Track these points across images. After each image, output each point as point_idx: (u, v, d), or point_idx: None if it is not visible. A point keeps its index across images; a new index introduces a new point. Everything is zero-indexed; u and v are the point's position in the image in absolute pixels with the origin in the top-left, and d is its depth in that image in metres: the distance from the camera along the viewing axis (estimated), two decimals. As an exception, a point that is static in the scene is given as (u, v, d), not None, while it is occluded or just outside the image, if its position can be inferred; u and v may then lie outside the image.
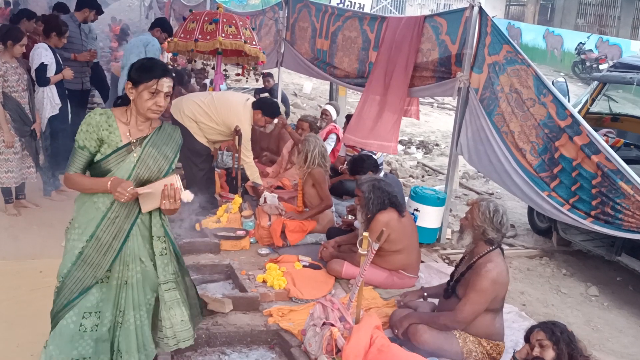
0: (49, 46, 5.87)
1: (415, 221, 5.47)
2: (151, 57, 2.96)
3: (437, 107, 14.28)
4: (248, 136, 5.83)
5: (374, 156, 6.15)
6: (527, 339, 3.25)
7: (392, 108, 6.11)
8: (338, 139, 7.40)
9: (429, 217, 5.59)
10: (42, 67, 5.75)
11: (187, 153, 5.80)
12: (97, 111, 2.81)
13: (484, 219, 3.57)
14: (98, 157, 2.82)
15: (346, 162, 6.90)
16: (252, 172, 5.98)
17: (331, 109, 7.67)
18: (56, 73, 5.90)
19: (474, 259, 3.62)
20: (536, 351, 3.12)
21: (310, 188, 5.57)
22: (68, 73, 6.02)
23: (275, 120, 5.99)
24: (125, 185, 2.75)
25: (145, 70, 2.78)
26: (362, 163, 5.54)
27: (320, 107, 12.87)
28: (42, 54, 5.76)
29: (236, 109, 5.75)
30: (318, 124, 7.22)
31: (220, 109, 5.72)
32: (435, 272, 5.02)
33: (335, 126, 7.51)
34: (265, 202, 5.61)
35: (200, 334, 3.70)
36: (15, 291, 4.23)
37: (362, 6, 10.88)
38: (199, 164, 5.85)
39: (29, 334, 3.72)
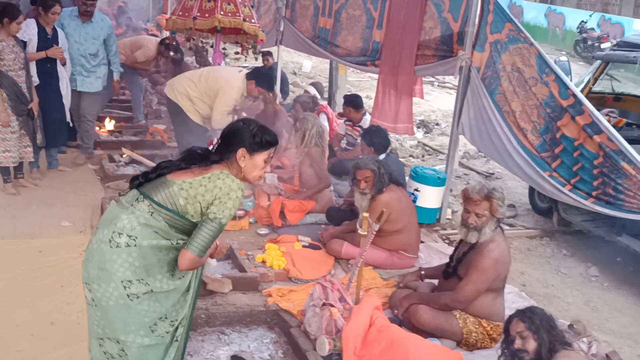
0: (37, 23, 5.69)
1: (416, 201, 5.46)
2: (263, 125, 2.67)
3: (438, 86, 14.19)
4: (229, 102, 5.58)
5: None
6: (506, 330, 3.09)
7: (405, 89, 6.07)
8: (328, 118, 7.32)
9: (430, 197, 5.56)
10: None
11: (183, 132, 5.75)
12: (236, 180, 2.53)
13: (502, 205, 3.53)
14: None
15: (360, 136, 6.81)
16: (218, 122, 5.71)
17: (312, 90, 7.59)
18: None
19: (476, 239, 3.60)
20: (517, 344, 2.97)
21: (307, 168, 5.53)
22: (52, 52, 5.70)
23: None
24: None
25: (267, 139, 2.59)
26: (380, 132, 5.46)
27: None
28: (24, 29, 5.50)
29: (226, 79, 5.64)
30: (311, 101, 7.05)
31: (211, 84, 5.62)
32: (435, 253, 5.01)
33: (323, 105, 7.44)
34: (264, 181, 5.58)
35: (199, 314, 3.70)
36: (14, 271, 4.21)
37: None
38: (194, 143, 5.77)
39: (28, 313, 3.71)
